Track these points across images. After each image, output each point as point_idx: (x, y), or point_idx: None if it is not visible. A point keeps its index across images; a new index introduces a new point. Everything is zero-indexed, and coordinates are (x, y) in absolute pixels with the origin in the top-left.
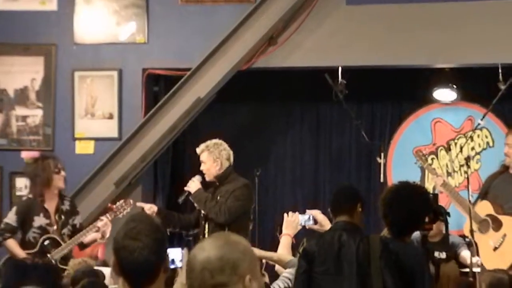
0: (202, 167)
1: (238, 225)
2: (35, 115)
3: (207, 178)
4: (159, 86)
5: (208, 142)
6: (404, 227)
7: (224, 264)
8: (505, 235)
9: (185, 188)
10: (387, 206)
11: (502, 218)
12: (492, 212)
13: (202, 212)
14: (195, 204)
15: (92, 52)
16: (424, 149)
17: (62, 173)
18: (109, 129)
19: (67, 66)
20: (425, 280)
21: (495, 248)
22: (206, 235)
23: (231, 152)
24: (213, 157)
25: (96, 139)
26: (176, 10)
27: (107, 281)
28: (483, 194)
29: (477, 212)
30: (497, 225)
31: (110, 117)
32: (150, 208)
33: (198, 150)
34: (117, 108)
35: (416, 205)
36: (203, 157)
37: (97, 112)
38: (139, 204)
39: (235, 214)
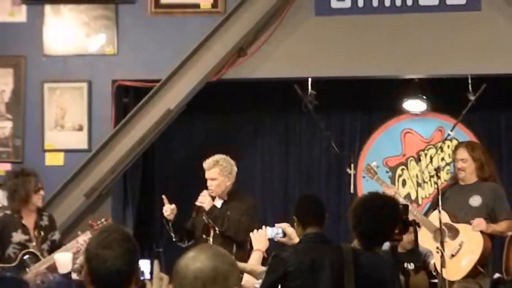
0: (211, 183)
1: (245, 240)
2: (5, 127)
3: (214, 194)
4: (129, 97)
5: (217, 158)
6: (374, 238)
7: (216, 275)
8: (462, 242)
9: (198, 203)
10: (356, 217)
11: (459, 226)
12: (448, 221)
13: (207, 225)
14: (207, 220)
15: (62, 63)
16: (391, 160)
17: (41, 192)
18: (79, 140)
19: (36, 77)
20: None
21: (452, 256)
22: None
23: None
24: (226, 172)
25: (66, 151)
26: (145, 22)
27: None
28: (435, 206)
29: (431, 221)
30: (454, 233)
31: (80, 128)
32: (173, 210)
33: (206, 165)
34: (86, 120)
35: (386, 216)
36: (213, 173)
37: (66, 123)
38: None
39: (249, 233)
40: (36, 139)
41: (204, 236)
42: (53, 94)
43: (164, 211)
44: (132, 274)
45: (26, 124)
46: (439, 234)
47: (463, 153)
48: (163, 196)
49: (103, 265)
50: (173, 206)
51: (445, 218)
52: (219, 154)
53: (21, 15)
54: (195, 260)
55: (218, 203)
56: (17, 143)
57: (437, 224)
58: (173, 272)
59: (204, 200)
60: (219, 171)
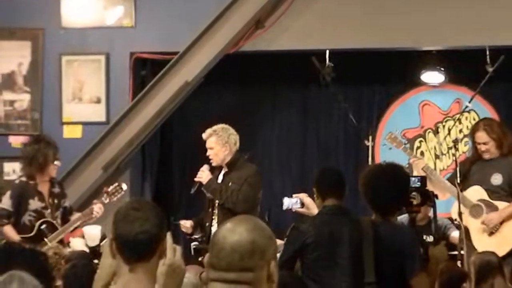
0: (209, 153)
1: (250, 212)
2: (23, 99)
3: (214, 163)
4: (147, 70)
5: (215, 127)
6: (381, 205)
7: (254, 248)
8: (503, 220)
9: (196, 179)
10: (363, 187)
11: (498, 203)
12: (486, 197)
13: (211, 199)
14: (208, 194)
15: (79, 36)
16: (409, 131)
17: (57, 163)
18: (97, 113)
19: (54, 50)
20: (415, 260)
21: (491, 233)
22: (215, 222)
23: (237, 137)
24: (222, 141)
25: (84, 123)
26: None
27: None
28: (463, 179)
29: (467, 196)
30: (493, 210)
31: (98, 101)
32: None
33: (204, 135)
34: (104, 92)
35: (388, 184)
36: (211, 142)
37: (84, 96)
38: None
39: (252, 203)
40: (54, 111)
41: (210, 210)
42: (70, 67)
43: (184, 230)
44: (159, 239)
45: (44, 97)
46: (478, 210)
47: (482, 136)
48: (180, 222)
49: (131, 224)
50: (190, 222)
51: (483, 195)
52: (232, 126)
53: None
54: (233, 232)
55: (220, 175)
56: (35, 116)
57: (474, 201)
58: (210, 243)
59: (202, 175)
60: (215, 140)
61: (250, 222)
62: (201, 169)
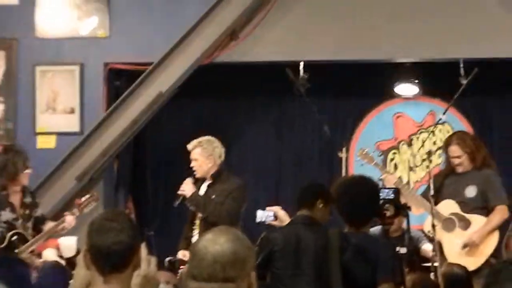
0: (193, 164)
1: (233, 226)
2: None
3: (198, 175)
4: (121, 80)
5: (201, 139)
6: (353, 217)
7: (236, 259)
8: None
9: (179, 192)
10: (335, 199)
11: (471, 217)
12: (458, 211)
13: (193, 211)
14: (191, 207)
15: (54, 46)
16: (382, 144)
17: (29, 170)
18: (71, 123)
19: (28, 60)
20: (386, 269)
21: (465, 247)
22: (197, 233)
23: (223, 150)
24: (206, 153)
25: (58, 134)
26: (138, 5)
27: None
28: (436, 193)
29: (439, 210)
30: (466, 223)
31: (72, 111)
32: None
33: (189, 146)
34: (78, 103)
35: (359, 195)
36: (195, 153)
37: (58, 106)
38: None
39: (235, 216)
40: (28, 122)
41: (192, 222)
42: (44, 77)
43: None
44: (134, 250)
45: (17, 107)
46: (450, 224)
47: (456, 150)
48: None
49: (106, 235)
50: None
51: (456, 208)
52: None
53: None
54: (214, 243)
55: (204, 187)
56: (8, 126)
57: (447, 214)
58: (190, 253)
59: (185, 188)
60: (200, 152)
61: (230, 233)
62: (185, 182)
